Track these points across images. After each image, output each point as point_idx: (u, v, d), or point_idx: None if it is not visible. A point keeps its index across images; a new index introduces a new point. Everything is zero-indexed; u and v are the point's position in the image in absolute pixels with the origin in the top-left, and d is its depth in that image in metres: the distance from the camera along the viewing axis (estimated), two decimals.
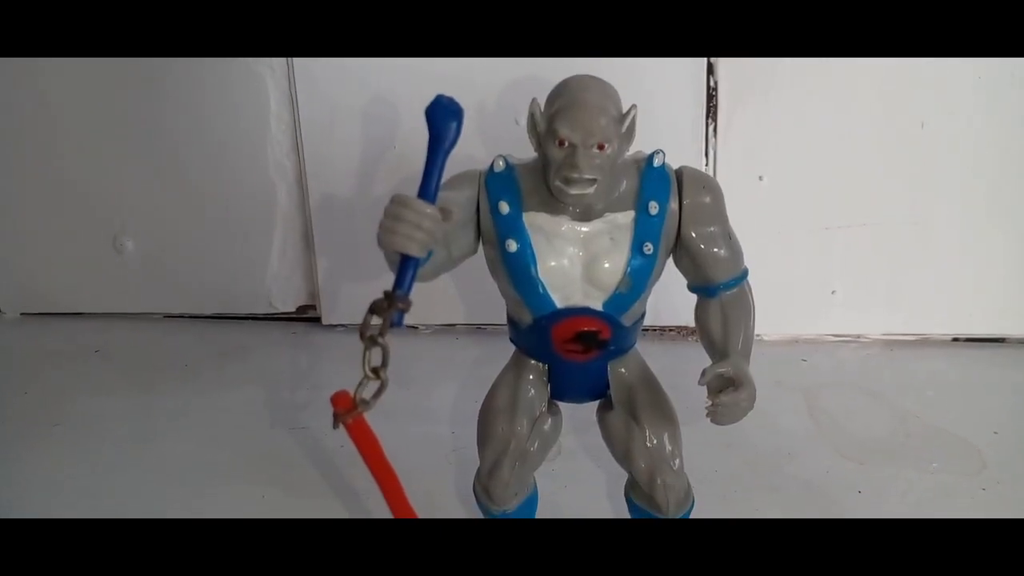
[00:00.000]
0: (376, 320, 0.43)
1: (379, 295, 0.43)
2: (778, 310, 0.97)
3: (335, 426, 0.44)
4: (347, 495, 0.74)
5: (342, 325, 1.07)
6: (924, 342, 0.98)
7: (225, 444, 0.83)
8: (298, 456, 0.81)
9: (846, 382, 0.91)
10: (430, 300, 1.04)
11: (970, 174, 0.92)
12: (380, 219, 0.44)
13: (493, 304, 1.04)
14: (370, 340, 0.43)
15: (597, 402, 0.59)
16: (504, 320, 0.57)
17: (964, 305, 0.97)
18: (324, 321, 1.07)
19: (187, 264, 1.08)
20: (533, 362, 0.57)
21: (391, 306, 0.43)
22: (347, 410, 0.43)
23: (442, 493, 0.72)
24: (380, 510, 0.69)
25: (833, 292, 0.98)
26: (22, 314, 1.13)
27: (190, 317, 1.11)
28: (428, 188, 0.43)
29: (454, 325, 1.06)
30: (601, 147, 0.47)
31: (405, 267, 0.44)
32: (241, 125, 1.01)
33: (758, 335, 1.10)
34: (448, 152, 0.43)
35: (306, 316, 1.09)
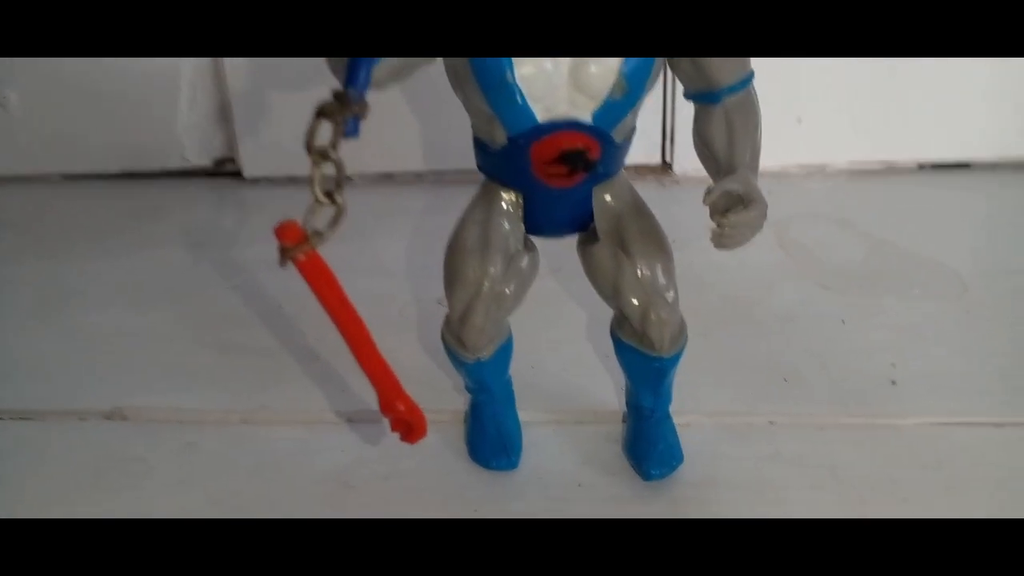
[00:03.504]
0: (326, 128, 0.34)
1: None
2: None
3: (282, 264, 0.36)
4: (301, 354, 0.67)
5: (266, 179, 0.97)
6: (890, 170, 0.94)
7: (149, 308, 0.75)
8: (233, 317, 0.73)
9: (815, 213, 0.86)
10: (362, 147, 0.94)
11: None
12: None
13: (436, 147, 0.95)
14: (319, 154, 0.34)
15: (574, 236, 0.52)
16: (452, 164, 0.49)
17: (929, 131, 0.93)
18: (246, 175, 0.97)
19: (83, 117, 0.96)
20: (506, 191, 0.49)
21: (344, 108, 0.34)
22: (296, 243, 0.35)
23: (407, 348, 0.65)
24: (342, 365, 0.63)
25: (799, 120, 0.92)
26: None
27: (94, 177, 0.99)
28: None
29: (392, 174, 0.96)
30: None
31: (358, 60, 0.35)
32: None
33: None
34: None
35: (225, 170, 0.99)
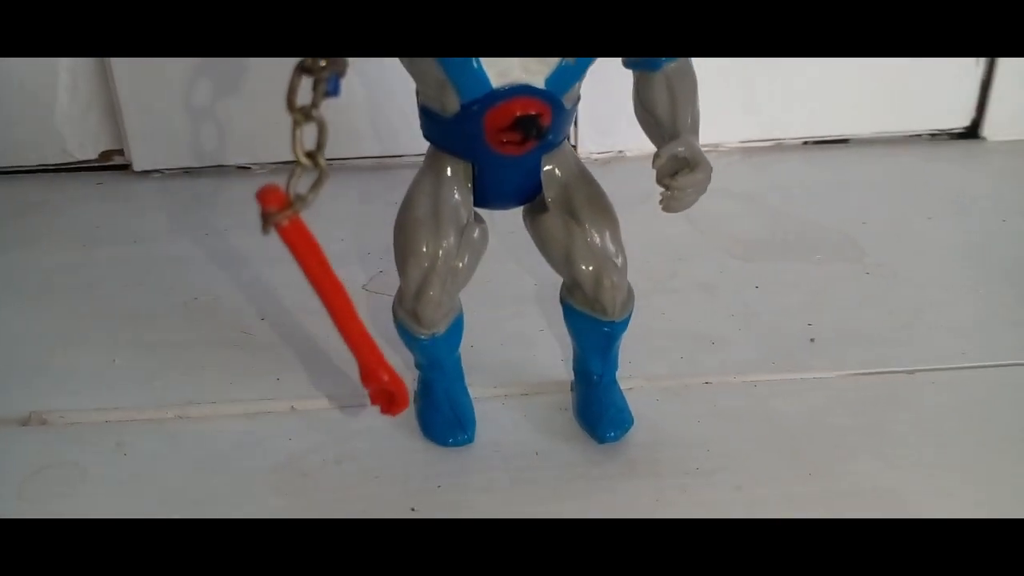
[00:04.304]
0: (306, 85, 0.33)
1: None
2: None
3: (265, 230, 0.34)
4: (224, 345, 0.64)
5: (158, 171, 0.92)
6: (778, 147, 0.99)
7: (46, 308, 0.70)
8: (143, 312, 0.69)
9: (714, 188, 0.89)
10: (260, 136, 0.90)
11: None
12: None
13: (341, 132, 0.92)
14: (301, 113, 0.33)
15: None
16: (366, 152, 0.49)
17: (812, 111, 0.99)
18: (136, 167, 0.92)
19: None
20: (454, 162, 0.49)
21: (328, 65, 0.33)
22: (280, 208, 0.34)
23: None
24: (271, 354, 0.61)
25: None
26: None
27: None
28: None
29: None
30: None
31: None
32: None
33: (620, 151, 1.06)
34: None
35: (112, 163, 0.93)
